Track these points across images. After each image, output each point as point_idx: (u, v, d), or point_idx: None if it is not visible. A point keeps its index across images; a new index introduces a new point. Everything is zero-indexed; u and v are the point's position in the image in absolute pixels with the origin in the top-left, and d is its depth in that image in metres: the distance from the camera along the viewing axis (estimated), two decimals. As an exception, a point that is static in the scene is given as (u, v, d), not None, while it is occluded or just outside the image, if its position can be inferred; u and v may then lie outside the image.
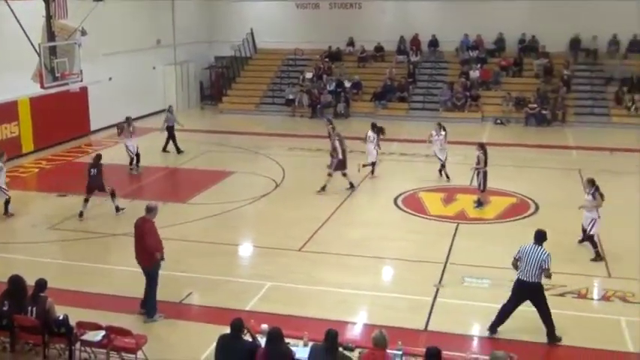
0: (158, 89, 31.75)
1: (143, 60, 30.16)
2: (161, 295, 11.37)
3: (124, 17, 28.12)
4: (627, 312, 11.49)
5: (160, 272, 11.32)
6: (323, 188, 18.33)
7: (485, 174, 17.21)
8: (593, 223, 13.96)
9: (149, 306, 11.23)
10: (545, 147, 24.35)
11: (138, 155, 20.89)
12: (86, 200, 16.48)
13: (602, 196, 14.03)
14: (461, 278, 12.85)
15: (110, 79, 27.25)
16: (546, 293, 12.03)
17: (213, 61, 35.59)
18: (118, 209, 16.61)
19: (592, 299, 12.18)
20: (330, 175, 18.44)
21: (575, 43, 31.40)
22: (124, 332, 9.47)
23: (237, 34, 34.17)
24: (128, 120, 20.96)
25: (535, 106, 28.55)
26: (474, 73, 31.02)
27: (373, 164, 19.99)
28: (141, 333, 9.85)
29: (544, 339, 10.59)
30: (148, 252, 11.04)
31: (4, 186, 16.49)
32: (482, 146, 17.51)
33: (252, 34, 34.76)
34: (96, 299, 11.90)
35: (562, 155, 23.29)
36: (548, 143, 24.81)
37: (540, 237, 10.65)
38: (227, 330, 8.49)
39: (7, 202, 16.55)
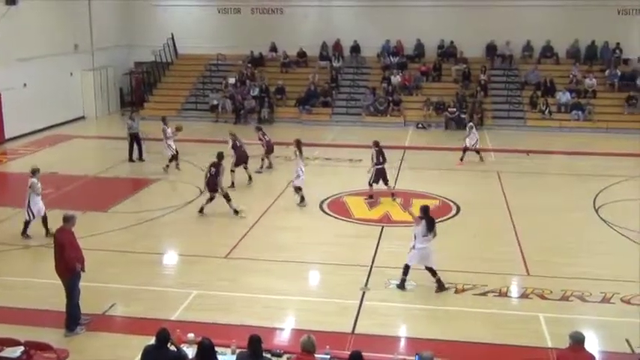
0: (76, 96, 30.88)
1: (60, 65, 29.25)
2: (83, 307, 11.05)
3: (39, 21, 27.25)
4: (546, 308, 11.91)
5: (81, 284, 11.00)
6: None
7: (378, 171, 17.89)
8: None
9: (70, 319, 10.89)
10: (464, 150, 24.97)
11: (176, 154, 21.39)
12: (210, 199, 16.88)
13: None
14: (386, 281, 13.03)
15: (25, 85, 26.34)
16: (468, 293, 12.42)
17: (133, 66, 34.91)
18: (236, 212, 16.80)
19: (512, 297, 12.56)
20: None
21: (491, 49, 32.45)
22: (44, 347, 9.16)
23: (157, 38, 33.61)
24: (164, 120, 21.69)
25: (454, 110, 29.29)
26: (396, 79, 31.56)
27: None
28: (62, 347, 9.54)
29: (468, 338, 10.85)
30: (66, 263, 10.71)
31: None
32: (376, 144, 18.27)
33: (172, 38, 34.29)
34: (15, 314, 11.46)
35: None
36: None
37: None
38: (152, 341, 8.34)
39: None
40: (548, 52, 32.26)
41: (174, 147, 21.37)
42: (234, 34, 33.83)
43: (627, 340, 10.56)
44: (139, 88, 34.18)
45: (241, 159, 19.96)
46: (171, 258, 14.80)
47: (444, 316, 11.67)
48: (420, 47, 33.07)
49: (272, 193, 18.90)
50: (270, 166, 21.55)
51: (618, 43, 31.50)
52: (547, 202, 18.26)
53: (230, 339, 9.06)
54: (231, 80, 32.32)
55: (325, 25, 33.48)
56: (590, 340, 9.77)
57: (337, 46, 33.49)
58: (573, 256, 14.52)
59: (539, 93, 30.15)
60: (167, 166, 21.26)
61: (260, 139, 21.33)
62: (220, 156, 17.22)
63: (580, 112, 28.94)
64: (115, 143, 24.99)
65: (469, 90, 30.67)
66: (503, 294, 12.51)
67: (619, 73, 30.57)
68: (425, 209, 12.52)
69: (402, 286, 12.62)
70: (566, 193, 19.30)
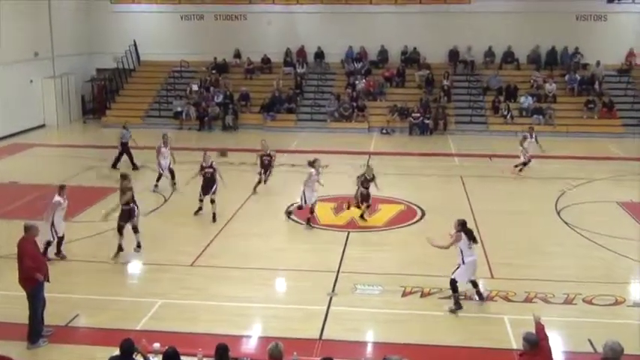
0: (36, 103, 30.39)
1: (19, 73, 28.79)
2: (46, 318, 10.86)
3: (-3, 28, 26.81)
4: (510, 310, 12.07)
5: (44, 294, 10.81)
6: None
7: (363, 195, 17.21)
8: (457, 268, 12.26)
9: (32, 331, 10.69)
10: (428, 155, 25.26)
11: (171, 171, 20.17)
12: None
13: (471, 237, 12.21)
14: (353, 286, 13.06)
15: (-17, 92, 25.88)
16: (434, 296, 12.51)
17: (95, 73, 34.50)
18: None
19: (477, 300, 12.66)
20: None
21: (453, 55, 32.84)
22: (6, 360, 8.99)
23: (119, 45, 33.30)
24: (164, 137, 20.27)
25: (418, 115, 29.55)
26: (360, 84, 31.73)
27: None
28: (24, 360, 9.38)
29: (435, 341, 10.93)
30: (27, 274, 10.53)
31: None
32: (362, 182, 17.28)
33: (135, 45, 33.99)
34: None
35: (445, 162, 24.20)
36: (431, 151, 25.74)
37: None
38: (117, 352, 8.23)
39: None
40: (509, 57, 32.79)
41: (165, 166, 20.01)
42: (198, 41, 33.69)
43: (590, 340, 10.74)
44: (100, 96, 33.78)
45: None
46: (135, 267, 14.63)
47: (410, 320, 11.74)
48: (383, 53, 33.31)
49: (237, 200, 18.81)
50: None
51: (577, 48, 32.18)
52: (510, 205, 18.51)
53: (196, 348, 8.98)
54: (195, 87, 32.16)
55: (289, 31, 33.55)
56: (554, 341, 9.92)
57: (301, 52, 33.57)
58: (536, 258, 14.73)
59: (501, 98, 30.60)
60: (156, 185, 20.09)
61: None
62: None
63: (541, 117, 29.44)
64: (77, 151, 24.65)
65: (432, 95, 30.97)
66: (468, 297, 12.61)
67: (578, 78, 31.22)
68: (463, 223, 12.14)
69: (458, 305, 12.01)
70: (528, 196, 19.58)
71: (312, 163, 17.09)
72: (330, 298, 12.51)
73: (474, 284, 12.44)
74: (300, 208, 17.09)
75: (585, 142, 27.32)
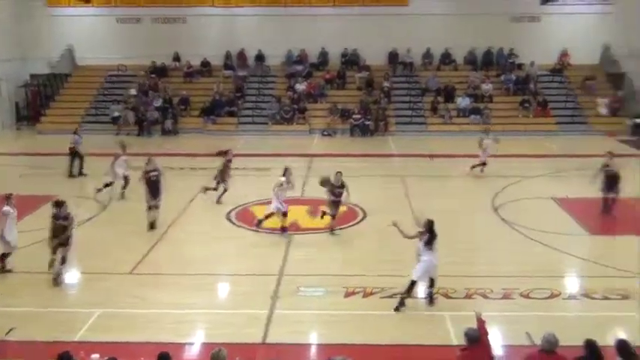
0: (-33, 110, 29.44)
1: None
2: (-22, 332, 10.53)
3: None
4: (451, 307, 12.25)
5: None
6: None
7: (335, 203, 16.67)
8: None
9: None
10: (369, 156, 25.48)
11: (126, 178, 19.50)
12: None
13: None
14: (296, 288, 13.06)
15: None
16: (376, 296, 12.60)
17: (29, 79, 33.58)
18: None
19: (419, 298, 12.82)
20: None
21: (392, 57, 33.22)
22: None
23: (54, 50, 32.57)
24: (122, 144, 19.98)
25: (359, 117, 29.77)
26: (300, 87, 31.78)
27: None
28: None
29: (378, 340, 11.01)
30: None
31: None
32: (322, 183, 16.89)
33: (70, 50, 33.24)
34: None
35: (386, 163, 24.45)
36: (372, 152, 25.96)
37: None
38: (54, 364, 8.03)
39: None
40: (447, 59, 33.37)
41: (121, 174, 19.44)
42: (135, 44, 33.17)
43: (527, 333, 11.00)
44: (35, 102, 32.92)
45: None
46: (71, 276, 14.25)
47: (354, 321, 11.80)
48: (324, 55, 33.46)
49: (177, 205, 18.58)
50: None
51: (512, 49, 32.96)
52: (449, 203, 18.79)
53: (137, 357, 8.84)
54: (133, 91, 31.68)
55: (229, 34, 33.37)
56: (494, 335, 10.12)
57: (241, 55, 33.43)
58: (475, 255, 15.02)
59: (439, 99, 31.09)
60: (99, 190, 19.46)
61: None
62: None
63: (478, 116, 30.06)
64: (10, 160, 23.93)
65: (373, 97, 31.25)
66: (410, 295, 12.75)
67: (514, 78, 32.00)
68: (430, 223, 12.25)
69: (402, 303, 12.13)
70: (467, 194, 19.95)
71: (284, 172, 16.69)
72: (273, 302, 12.47)
73: (431, 283, 12.47)
74: (284, 214, 16.62)
75: (521, 140, 28.00)
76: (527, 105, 30.66)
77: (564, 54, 33.07)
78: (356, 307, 12.32)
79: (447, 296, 12.72)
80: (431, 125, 30.25)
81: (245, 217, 17.74)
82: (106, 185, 19.46)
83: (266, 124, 30.50)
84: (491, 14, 32.00)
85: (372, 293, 12.82)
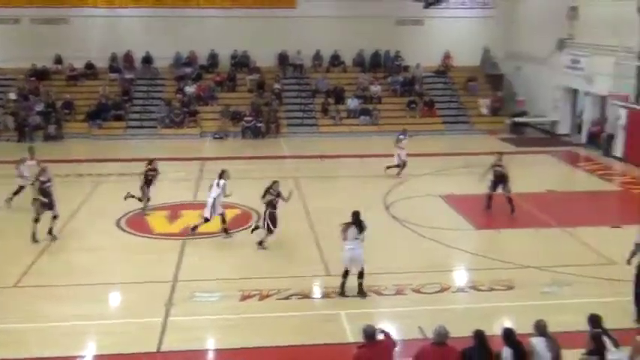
0: None
1: None
2: None
3: None
4: (346, 305, 12.45)
5: None
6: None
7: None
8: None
9: None
10: (262, 158, 25.48)
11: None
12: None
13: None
14: (191, 294, 12.87)
15: None
16: (272, 298, 12.64)
17: None
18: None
19: (314, 298, 12.97)
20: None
21: (283, 59, 33.36)
22: None
23: None
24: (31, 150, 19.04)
25: (250, 119, 29.70)
26: (190, 89, 31.34)
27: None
28: None
29: (276, 342, 11.03)
30: None
31: None
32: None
33: (-58, 52, 31.27)
34: None
35: (278, 165, 24.52)
36: (264, 154, 25.97)
37: None
38: None
39: None
40: (336, 60, 33.87)
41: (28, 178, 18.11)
42: (14, 46, 31.57)
43: (420, 327, 11.35)
44: None
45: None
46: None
47: (250, 324, 11.76)
48: (213, 57, 33.14)
49: (62, 215, 17.82)
50: None
51: (398, 52, 33.87)
52: (342, 203, 18.95)
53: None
54: (12, 95, 30.16)
55: (114, 35, 32.40)
56: (388, 331, 10.36)
57: (128, 57, 32.57)
58: (369, 253, 15.17)
59: (329, 100, 31.51)
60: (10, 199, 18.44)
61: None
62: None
63: (368, 117, 30.70)
64: None
65: (264, 99, 31.25)
66: (306, 296, 12.88)
67: (400, 80, 32.88)
68: (353, 214, 12.84)
69: (341, 291, 12.79)
70: (359, 193, 20.29)
71: (221, 175, 16.36)
72: (168, 309, 12.24)
73: (360, 275, 12.79)
74: (207, 220, 16.16)
75: (409, 140, 28.74)
76: (413, 106, 31.60)
77: (447, 56, 34.34)
78: (252, 310, 12.29)
79: (342, 295, 12.91)
80: (322, 126, 30.61)
81: (136, 224, 17.29)
82: (17, 193, 18.45)
83: (155, 127, 29.84)
84: (378, 17, 32.74)
85: (268, 296, 12.83)
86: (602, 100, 27.19)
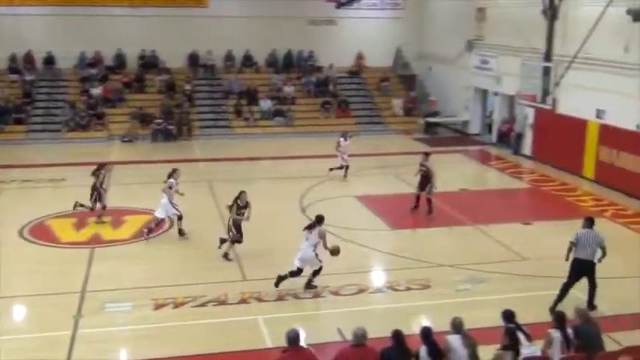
0: None
1: None
2: None
3: None
4: (264, 310, 12.41)
5: None
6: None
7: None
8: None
9: None
10: (174, 161, 24.91)
11: None
12: None
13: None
14: (102, 305, 12.51)
15: None
16: (187, 306, 12.46)
17: None
18: None
19: (231, 304, 12.85)
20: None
21: (193, 59, 32.92)
22: None
23: None
24: None
25: (161, 121, 29.16)
26: (96, 91, 30.48)
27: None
28: None
29: (192, 351, 10.86)
30: None
31: None
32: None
33: None
34: None
35: (191, 168, 24.11)
36: (176, 158, 25.48)
37: (592, 221, 12.30)
38: None
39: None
40: (248, 61, 33.71)
41: None
42: None
43: (339, 329, 11.43)
44: None
45: None
46: None
47: (164, 333, 11.54)
48: (120, 58, 32.33)
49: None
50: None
51: (311, 52, 34.06)
52: (258, 206, 18.93)
53: None
54: None
55: (14, 35, 31.02)
56: (308, 334, 10.40)
57: (29, 57, 31.34)
58: (286, 256, 15.20)
59: (242, 101, 31.35)
60: None
61: None
62: None
63: (282, 119, 30.73)
64: None
65: (175, 100, 30.77)
66: (222, 302, 12.76)
67: (314, 80, 33.07)
68: (316, 218, 13.50)
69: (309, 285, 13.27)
70: (275, 196, 20.27)
71: (171, 174, 16.46)
72: (77, 321, 11.85)
73: (315, 272, 13.24)
74: (161, 220, 16.36)
75: (324, 141, 28.93)
76: (328, 106, 31.84)
77: (360, 56, 34.79)
78: (166, 319, 12.06)
79: (259, 300, 12.87)
80: (235, 128, 30.41)
81: (41, 233, 16.66)
82: None
83: (59, 131, 28.82)
84: (291, 17, 32.80)
85: (183, 303, 12.62)
86: (511, 100, 28.22)
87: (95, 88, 30.57)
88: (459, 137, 30.88)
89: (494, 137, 29.27)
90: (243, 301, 12.86)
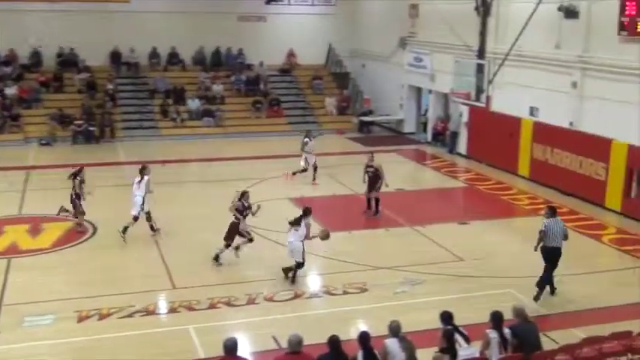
0: None
1: None
2: None
3: None
4: (194, 319, 12.28)
5: None
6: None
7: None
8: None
9: None
10: (96, 165, 24.46)
11: None
12: None
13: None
14: (20, 319, 12.15)
15: None
16: (113, 317, 12.24)
17: None
18: None
19: (160, 314, 12.68)
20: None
21: (115, 57, 32.31)
22: None
23: None
24: None
25: (81, 122, 28.51)
26: (11, 91, 29.57)
27: None
28: None
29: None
30: None
31: None
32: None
33: None
34: None
35: (115, 172, 23.73)
36: (99, 161, 24.99)
37: (555, 210, 13.55)
38: None
39: None
40: (174, 58, 33.30)
41: None
42: None
43: (274, 337, 11.43)
44: None
45: None
46: None
47: (90, 347, 11.30)
48: (36, 55, 31.44)
49: None
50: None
51: (241, 49, 33.91)
52: (187, 210, 18.82)
53: None
54: None
55: None
56: (242, 343, 10.33)
57: None
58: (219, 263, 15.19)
59: (169, 101, 30.96)
60: None
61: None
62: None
63: (211, 119, 30.48)
64: None
65: (96, 100, 30.15)
66: (150, 312, 12.58)
67: (244, 79, 32.94)
68: (305, 210, 14.30)
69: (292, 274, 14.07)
70: (205, 200, 20.09)
71: (143, 170, 16.72)
72: (-8, 338, 11.49)
73: (298, 265, 14.03)
74: (136, 219, 16.27)
75: (256, 141, 28.98)
76: (258, 106, 31.76)
77: (291, 54, 34.85)
78: (91, 331, 11.81)
79: (190, 308, 12.75)
80: (162, 129, 29.98)
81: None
82: None
83: (-32, 134, 27.88)
84: (218, 13, 32.55)
85: (108, 314, 12.39)
86: (445, 98, 28.77)
87: (9, 87, 29.67)
88: (393, 136, 31.29)
89: (429, 136, 29.80)
90: (173, 310, 12.71)
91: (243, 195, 15.37)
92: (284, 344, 9.21)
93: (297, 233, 13.93)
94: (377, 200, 18.85)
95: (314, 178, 22.22)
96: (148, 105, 31.07)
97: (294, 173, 22.36)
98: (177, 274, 14.36)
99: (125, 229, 16.19)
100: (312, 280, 14.68)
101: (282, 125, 31.53)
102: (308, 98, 33.60)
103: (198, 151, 27.27)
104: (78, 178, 16.95)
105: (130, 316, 12.35)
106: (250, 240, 15.24)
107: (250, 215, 15.23)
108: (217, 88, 32.08)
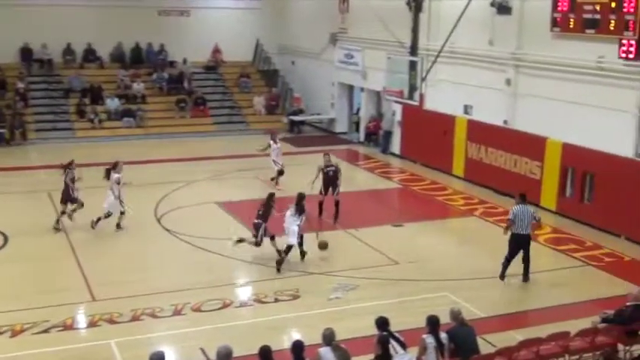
0: None
1: None
2: None
3: None
4: (116, 333, 12.06)
5: None
6: None
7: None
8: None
9: None
10: (6, 170, 23.82)
11: None
12: None
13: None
14: None
15: None
16: (27, 333, 11.93)
17: None
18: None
19: (79, 328, 12.41)
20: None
21: (26, 53, 31.45)
22: None
23: None
24: None
25: (-9, 124, 27.72)
26: None
27: None
28: None
29: None
30: None
31: None
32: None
33: None
34: None
35: (28, 177, 23.12)
36: (9, 165, 24.31)
37: (524, 197, 14.37)
38: None
39: None
40: (90, 55, 32.65)
41: None
42: None
43: (202, 349, 11.33)
44: None
45: None
46: None
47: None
48: (-64, 52, 30.38)
49: None
50: None
51: (163, 45, 33.48)
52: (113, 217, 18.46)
53: None
54: None
55: None
56: (168, 356, 10.20)
57: None
58: (141, 271, 14.99)
59: (86, 100, 30.35)
60: None
61: None
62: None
63: (131, 119, 30.02)
64: None
65: (5, 100, 29.34)
66: (68, 327, 12.29)
67: (166, 76, 32.54)
68: (300, 196, 15.64)
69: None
70: (128, 204, 19.74)
71: (114, 167, 17.37)
72: None
73: (286, 249, 15.15)
74: (108, 216, 17.23)
75: (180, 142, 28.65)
76: (183, 105, 31.42)
77: (216, 50, 34.59)
78: (3, 349, 11.45)
79: (111, 321, 12.50)
80: (78, 131, 29.34)
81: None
82: None
83: None
84: (138, 7, 32.05)
85: (22, 331, 12.04)
86: (378, 96, 29.05)
87: None
88: (325, 136, 31.42)
89: (361, 136, 30.05)
90: (92, 324, 12.45)
91: (271, 198, 16.09)
92: (212, 356, 9.15)
93: (291, 218, 15.29)
94: (337, 203, 18.87)
95: (272, 178, 22.12)
96: (63, 105, 30.34)
97: (272, 179, 22.07)
98: (96, 284, 14.07)
99: (98, 219, 17.16)
100: (242, 288, 14.63)
101: (208, 125, 31.30)
102: (235, 97, 33.45)
103: (118, 153, 26.68)
104: (68, 171, 17.70)
105: (45, 331, 12.03)
106: (257, 244, 15.69)
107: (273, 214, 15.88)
108: (138, 86, 31.60)
